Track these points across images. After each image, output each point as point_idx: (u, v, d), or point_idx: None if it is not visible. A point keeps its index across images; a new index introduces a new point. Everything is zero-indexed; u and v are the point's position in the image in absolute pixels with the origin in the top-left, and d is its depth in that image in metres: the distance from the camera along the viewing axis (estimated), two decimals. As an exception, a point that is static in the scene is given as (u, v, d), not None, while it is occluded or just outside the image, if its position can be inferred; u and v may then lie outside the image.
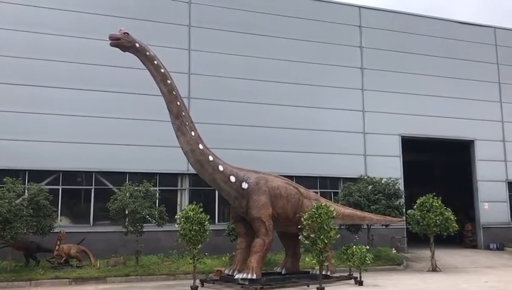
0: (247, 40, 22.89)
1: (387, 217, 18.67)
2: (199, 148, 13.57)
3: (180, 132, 13.49)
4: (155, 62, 13.41)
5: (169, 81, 13.52)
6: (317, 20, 24.40)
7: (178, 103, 13.55)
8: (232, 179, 13.93)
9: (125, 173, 20.08)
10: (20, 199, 16.36)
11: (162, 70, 13.49)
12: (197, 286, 13.63)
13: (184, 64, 21.51)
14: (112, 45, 13.00)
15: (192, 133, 13.61)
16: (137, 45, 13.18)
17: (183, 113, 13.59)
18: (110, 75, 20.30)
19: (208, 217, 13.77)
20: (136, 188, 17.58)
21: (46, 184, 18.49)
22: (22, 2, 19.79)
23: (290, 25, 23.82)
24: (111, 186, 20.00)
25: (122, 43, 12.95)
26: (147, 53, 13.34)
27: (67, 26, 20.16)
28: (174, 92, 13.55)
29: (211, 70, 21.92)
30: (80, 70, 20.00)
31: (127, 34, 13.01)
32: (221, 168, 13.85)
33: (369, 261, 14.75)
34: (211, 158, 13.75)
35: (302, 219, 13.59)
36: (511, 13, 69.97)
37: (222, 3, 22.77)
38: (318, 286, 13.25)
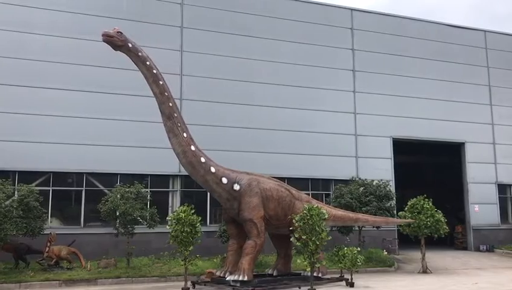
0: (239, 41, 22.90)
1: (389, 218, 18.74)
2: (191, 150, 13.51)
3: (172, 133, 13.42)
4: (147, 63, 13.31)
5: (161, 82, 13.44)
6: (309, 22, 24.48)
7: (170, 104, 13.47)
8: (224, 180, 13.89)
9: (117, 174, 20.00)
10: (10, 200, 16.23)
11: (154, 71, 13.40)
12: (189, 288, 13.61)
13: (176, 66, 21.47)
14: (104, 40, 12.80)
15: (184, 135, 13.54)
16: (130, 45, 13.06)
17: (175, 115, 13.52)
18: (101, 76, 20.21)
19: (200, 218, 13.76)
20: (127, 189, 17.51)
21: (37, 185, 18.36)
22: (14, 2, 19.65)
23: (283, 27, 23.87)
24: (102, 187, 19.91)
25: (115, 41, 12.80)
26: (139, 54, 13.22)
27: (57, 27, 20.05)
28: (166, 93, 13.47)
29: (203, 71, 21.91)
30: (70, 71, 19.89)
31: (121, 33, 12.89)
32: (213, 169, 13.80)
33: (360, 263, 14.78)
34: (202, 160, 13.70)
35: (293, 220, 13.62)
36: (500, 17, 70.64)
37: (214, 5, 22.77)
38: (309, 287, 13.27)
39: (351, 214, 17.14)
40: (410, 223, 18.06)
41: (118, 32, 12.85)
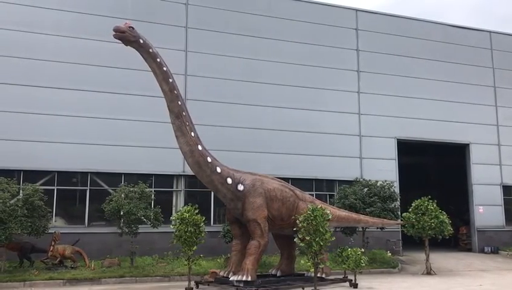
0: (243, 41, 22.90)
1: (384, 219, 18.68)
2: (198, 149, 13.45)
3: (180, 131, 13.31)
4: (158, 60, 13.18)
5: (170, 80, 13.35)
6: (314, 22, 24.45)
7: (179, 103, 13.37)
8: (229, 181, 13.88)
9: (121, 174, 20.04)
10: (15, 199, 16.30)
11: (164, 69, 13.29)
12: (192, 288, 13.63)
13: (181, 66, 21.46)
14: (115, 36, 12.58)
15: (192, 134, 13.47)
16: (141, 41, 12.90)
17: (184, 113, 13.41)
18: (105, 76, 20.24)
19: (204, 218, 13.80)
20: (131, 189, 17.55)
21: (41, 184, 18.42)
22: (19, 2, 19.73)
23: (287, 27, 23.85)
24: (106, 187, 19.97)
25: (127, 36, 12.57)
26: (150, 50, 13.06)
27: (62, 27, 20.10)
28: (175, 91, 13.35)
29: (208, 71, 21.92)
30: (74, 71, 19.92)
31: (132, 28, 12.68)
32: (218, 169, 13.78)
33: (364, 264, 14.78)
34: (209, 159, 13.67)
35: (297, 221, 13.60)
36: (503, 19, 70.35)
37: (219, 5, 22.79)
38: (313, 288, 13.26)
39: (354, 215, 17.19)
40: (415, 225, 18.02)
41: (129, 27, 12.63)
